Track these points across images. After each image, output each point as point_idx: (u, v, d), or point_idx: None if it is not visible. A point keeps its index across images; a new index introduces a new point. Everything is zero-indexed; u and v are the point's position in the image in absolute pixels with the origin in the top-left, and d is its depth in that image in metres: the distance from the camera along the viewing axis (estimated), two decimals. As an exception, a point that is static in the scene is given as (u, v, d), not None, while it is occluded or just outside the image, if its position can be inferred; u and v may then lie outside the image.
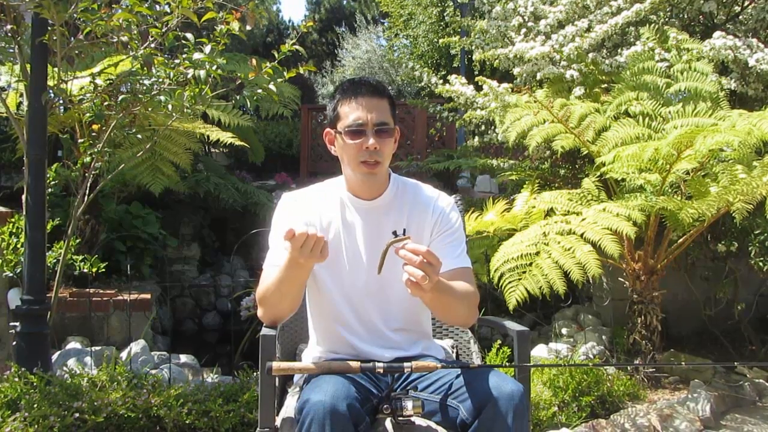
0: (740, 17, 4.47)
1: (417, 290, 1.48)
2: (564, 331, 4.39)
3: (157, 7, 2.88)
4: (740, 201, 2.96)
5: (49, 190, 3.94)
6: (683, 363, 3.68)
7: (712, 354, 4.04)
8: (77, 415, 2.48)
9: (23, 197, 2.96)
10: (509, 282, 3.02)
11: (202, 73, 2.87)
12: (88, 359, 3.33)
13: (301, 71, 3.02)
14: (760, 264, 3.72)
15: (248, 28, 3.02)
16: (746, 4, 4.42)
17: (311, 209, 1.79)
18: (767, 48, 3.84)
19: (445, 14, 10.18)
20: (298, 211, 1.79)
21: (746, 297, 4.19)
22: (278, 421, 1.67)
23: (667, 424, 2.96)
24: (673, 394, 3.39)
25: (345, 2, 17.94)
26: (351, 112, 1.70)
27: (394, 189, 1.81)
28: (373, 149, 1.69)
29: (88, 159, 3.22)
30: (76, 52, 3.06)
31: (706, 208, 2.99)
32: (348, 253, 1.76)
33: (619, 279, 3.74)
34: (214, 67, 2.90)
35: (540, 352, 3.87)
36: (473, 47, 5.20)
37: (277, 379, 1.71)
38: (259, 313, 1.71)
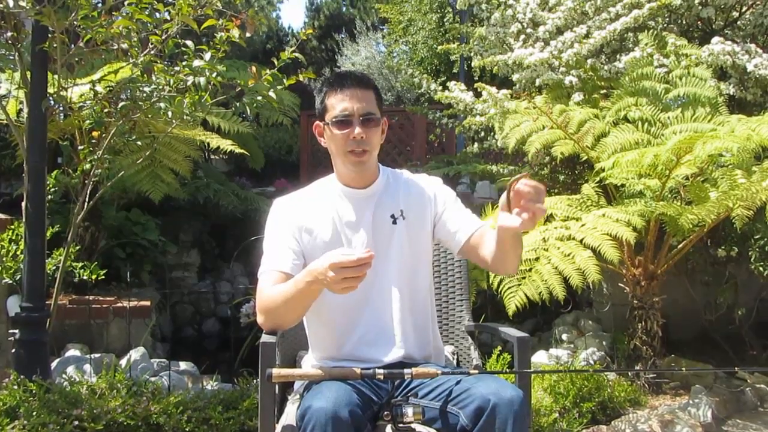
0: (738, 23, 4.48)
1: (530, 223, 1.48)
2: (564, 336, 4.38)
3: (157, 14, 2.89)
4: (740, 206, 2.96)
5: (49, 197, 3.95)
6: (684, 368, 3.67)
7: (713, 359, 4.03)
8: (76, 422, 2.47)
9: (23, 204, 2.96)
10: (509, 288, 3.02)
11: (202, 80, 2.88)
12: (87, 366, 3.32)
13: (301, 78, 3.03)
14: (761, 269, 3.71)
15: (248, 35, 3.03)
16: (744, 9, 4.43)
17: (305, 211, 1.80)
18: (765, 53, 3.84)
19: (444, 21, 10.20)
20: (292, 214, 1.79)
21: (747, 302, 4.18)
22: (278, 429, 1.67)
23: (668, 430, 2.95)
24: (675, 400, 3.39)
25: (344, 9, 17.98)
26: (338, 103, 1.73)
27: (384, 177, 1.85)
28: (360, 138, 1.71)
29: (87, 166, 3.22)
30: (76, 59, 3.07)
31: (705, 214, 2.99)
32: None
33: (620, 284, 3.74)
34: (214, 74, 2.91)
35: (540, 358, 3.86)
36: (472, 53, 5.21)
37: (277, 387, 1.70)
38: (260, 320, 1.70)
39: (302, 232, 1.77)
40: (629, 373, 3.51)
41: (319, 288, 1.55)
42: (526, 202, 1.47)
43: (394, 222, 1.79)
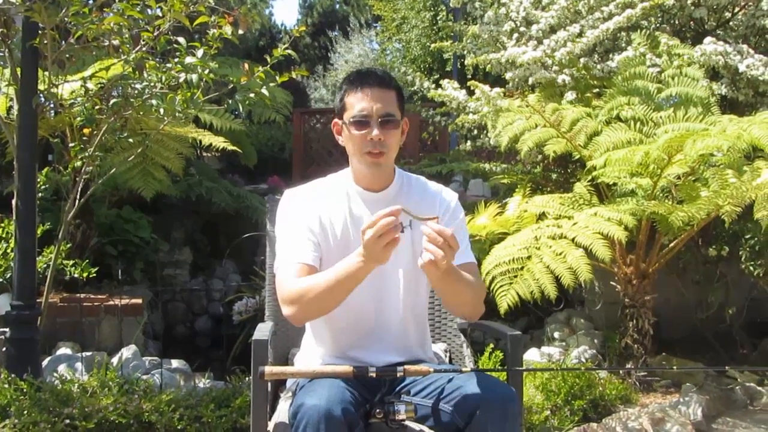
0: (731, 23, 4.50)
1: (432, 268, 1.48)
2: (556, 335, 4.39)
3: (149, 10, 2.87)
4: (729, 204, 2.98)
5: (40, 194, 3.92)
6: (675, 367, 3.69)
7: (703, 357, 4.05)
8: (68, 421, 2.46)
9: (13, 202, 2.95)
10: (501, 286, 3.02)
11: (195, 77, 2.86)
12: (78, 365, 3.31)
13: (294, 75, 3.02)
14: (751, 268, 3.74)
15: (240, 32, 3.02)
16: (737, 10, 4.45)
17: (316, 203, 1.78)
18: (757, 54, 3.87)
19: (437, 18, 10.21)
20: (307, 206, 1.77)
21: (737, 301, 4.20)
22: (271, 426, 1.67)
23: (658, 428, 2.97)
24: (665, 398, 3.41)
25: (338, 6, 17.96)
26: (357, 103, 1.70)
27: (399, 181, 1.83)
28: (378, 140, 1.69)
29: (79, 163, 3.20)
30: (67, 55, 3.05)
31: (695, 212, 3.01)
32: (354, 248, 1.75)
33: (611, 283, 3.75)
34: (207, 71, 2.90)
35: (532, 356, 3.87)
36: (465, 52, 5.21)
37: (269, 384, 1.70)
38: (289, 312, 1.64)
39: (317, 225, 1.75)
40: (620, 372, 3.53)
41: (369, 267, 1.53)
42: (429, 245, 1.47)
43: (401, 231, 1.77)
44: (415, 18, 10.90)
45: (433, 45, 6.16)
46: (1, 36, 2.96)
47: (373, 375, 1.53)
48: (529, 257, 3.03)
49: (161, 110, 3.01)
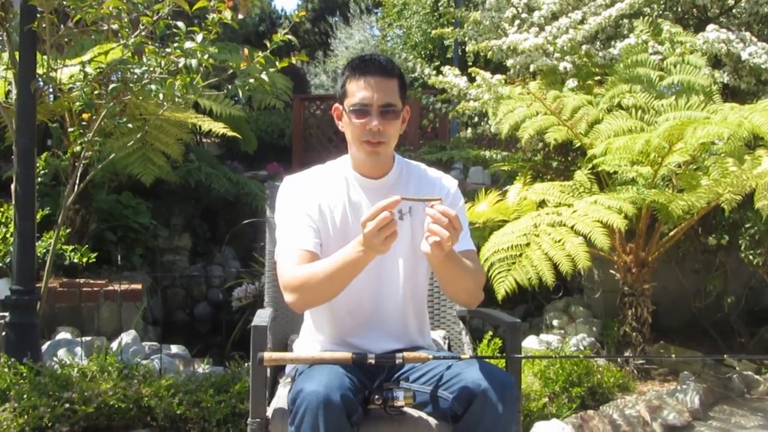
0: (734, 11, 4.48)
1: (437, 250, 1.49)
2: (555, 322, 4.40)
3: (148, -6, 2.85)
4: (729, 193, 2.97)
5: (39, 179, 3.92)
6: (673, 355, 3.71)
7: (701, 346, 4.07)
8: (67, 405, 2.47)
9: (12, 186, 2.94)
10: (499, 272, 3.02)
11: (194, 62, 2.85)
12: (78, 349, 3.32)
13: (294, 61, 3.01)
14: (750, 257, 3.74)
15: (240, 17, 3.00)
16: (739, -3, 4.42)
17: (315, 190, 1.77)
18: (760, 42, 3.84)
19: (438, 5, 10.15)
20: (306, 193, 1.77)
21: (736, 290, 4.21)
22: (269, 412, 1.67)
23: (656, 415, 2.98)
24: (663, 386, 3.42)
25: (338, -8, 17.84)
26: (358, 91, 1.69)
27: (398, 169, 1.82)
28: (377, 130, 1.68)
29: (78, 148, 3.20)
30: (66, 39, 3.03)
31: (695, 200, 3.00)
32: (353, 235, 1.75)
33: (611, 271, 3.75)
34: (206, 56, 2.88)
35: (531, 343, 3.88)
36: (467, 38, 5.18)
37: (268, 370, 1.71)
38: (291, 299, 1.64)
39: (316, 212, 1.75)
40: (618, 359, 3.54)
41: (369, 257, 1.53)
42: (434, 226, 1.47)
43: (401, 218, 1.75)
44: (416, 4, 10.83)
45: (434, 31, 6.12)
46: (-1, 19, 2.94)
47: (372, 362, 1.54)
48: (527, 244, 3.02)
49: (160, 95, 3.00)
